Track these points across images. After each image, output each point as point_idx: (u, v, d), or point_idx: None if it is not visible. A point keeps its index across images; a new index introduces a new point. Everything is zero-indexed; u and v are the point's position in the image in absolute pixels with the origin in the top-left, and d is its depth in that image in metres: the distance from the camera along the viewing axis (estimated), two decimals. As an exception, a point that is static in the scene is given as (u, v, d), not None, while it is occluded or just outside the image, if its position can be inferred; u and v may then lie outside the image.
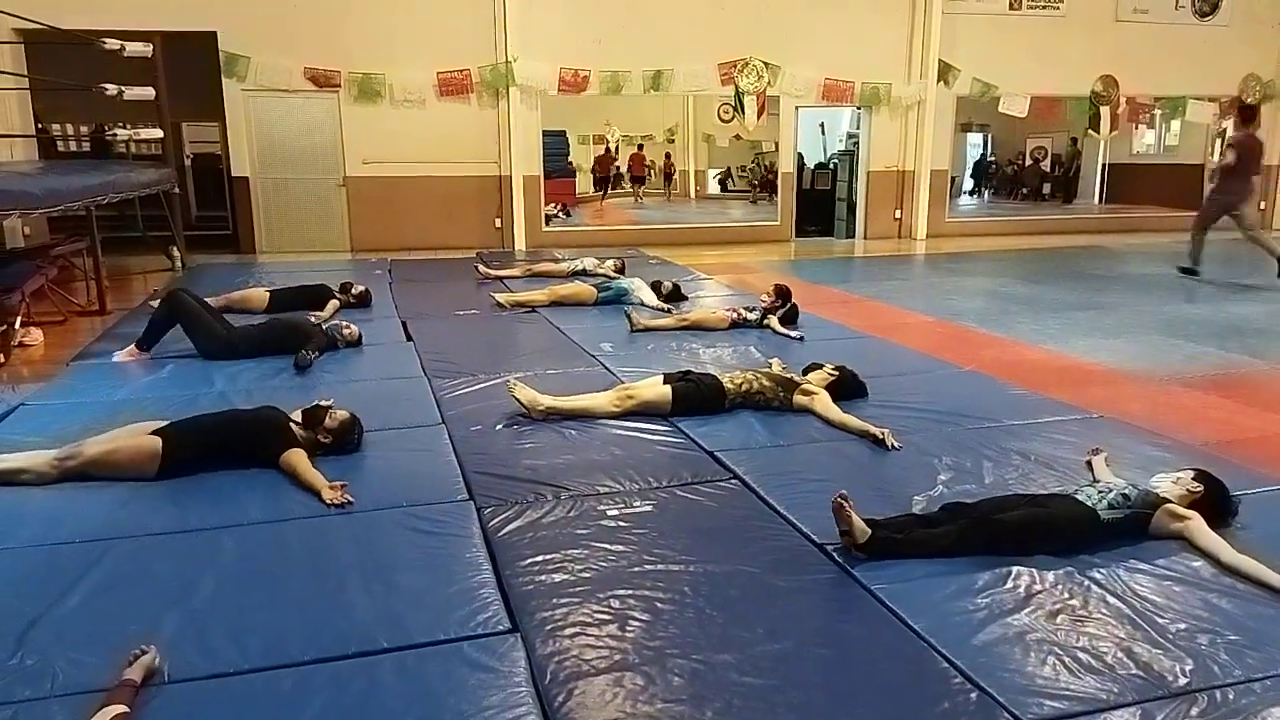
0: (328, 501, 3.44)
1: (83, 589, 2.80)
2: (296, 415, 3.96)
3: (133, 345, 5.74)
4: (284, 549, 3.12)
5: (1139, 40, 13.89)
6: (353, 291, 7.42)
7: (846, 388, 4.77)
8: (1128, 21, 13.92)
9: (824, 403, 4.53)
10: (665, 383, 4.66)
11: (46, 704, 2.26)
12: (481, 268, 9.16)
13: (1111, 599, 2.79)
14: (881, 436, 4.15)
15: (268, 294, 7.24)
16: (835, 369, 4.84)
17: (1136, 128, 16.89)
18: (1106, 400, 5.04)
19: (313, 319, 6.46)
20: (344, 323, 6.28)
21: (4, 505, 3.42)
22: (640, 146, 21.21)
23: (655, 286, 7.75)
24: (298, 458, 3.69)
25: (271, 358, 5.56)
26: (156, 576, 2.89)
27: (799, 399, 4.60)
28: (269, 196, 11.83)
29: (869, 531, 3.00)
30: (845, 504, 3.00)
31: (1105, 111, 14.22)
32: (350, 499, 3.46)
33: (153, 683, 2.31)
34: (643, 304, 7.43)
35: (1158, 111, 15.47)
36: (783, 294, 6.90)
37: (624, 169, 21.10)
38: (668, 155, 21.64)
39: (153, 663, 2.33)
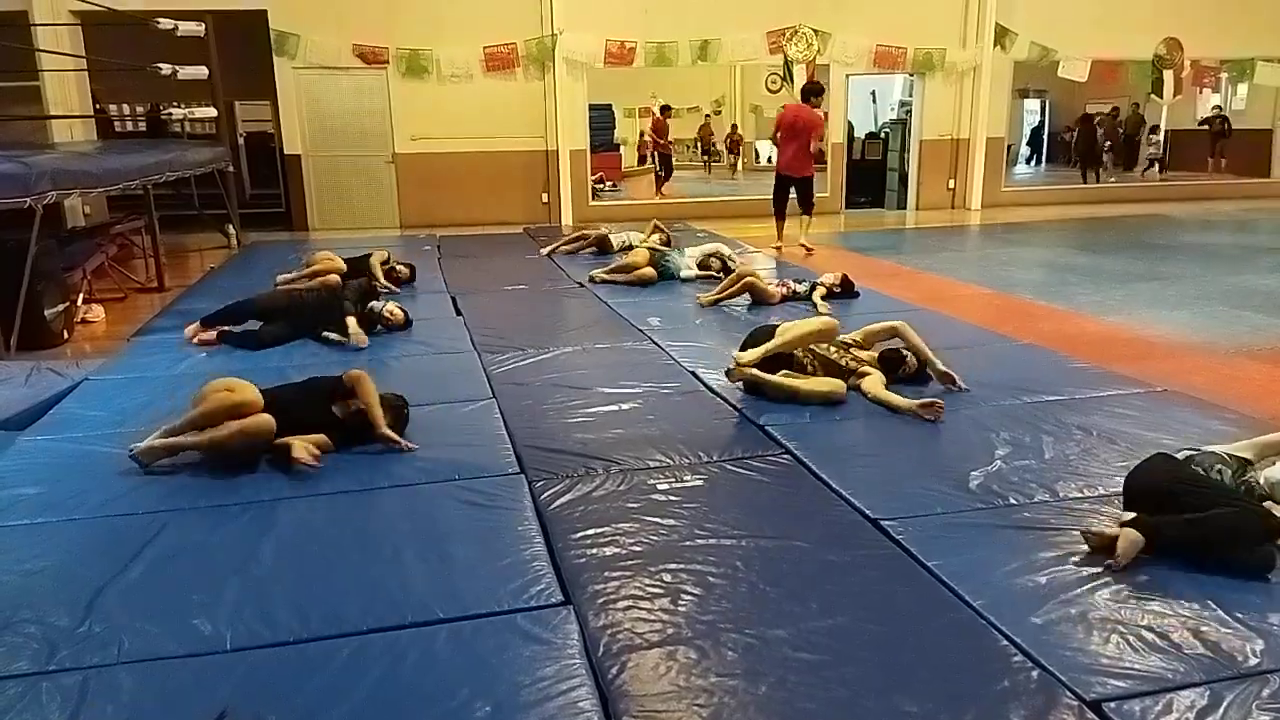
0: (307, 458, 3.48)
1: (146, 559, 2.87)
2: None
3: (199, 324, 5.69)
4: (339, 521, 3.16)
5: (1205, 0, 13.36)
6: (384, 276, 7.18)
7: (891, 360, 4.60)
8: (1194, -19, 13.42)
9: (873, 382, 4.43)
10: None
11: (114, 670, 2.32)
12: (543, 251, 8.99)
13: (1178, 576, 2.71)
14: (947, 386, 4.25)
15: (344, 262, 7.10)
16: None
17: (1201, 92, 16.32)
18: (1170, 373, 4.90)
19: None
20: (390, 305, 5.90)
21: (67, 482, 3.50)
22: (708, 116, 20.31)
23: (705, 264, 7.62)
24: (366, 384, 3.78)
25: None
26: (216, 547, 2.95)
27: (856, 383, 4.47)
28: (320, 174, 11.96)
29: (1140, 538, 2.75)
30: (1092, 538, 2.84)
31: (1168, 75, 13.74)
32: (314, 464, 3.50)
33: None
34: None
35: (1224, 75, 14.92)
36: (846, 283, 6.77)
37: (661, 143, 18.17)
38: (734, 126, 20.81)
39: None
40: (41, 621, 2.51)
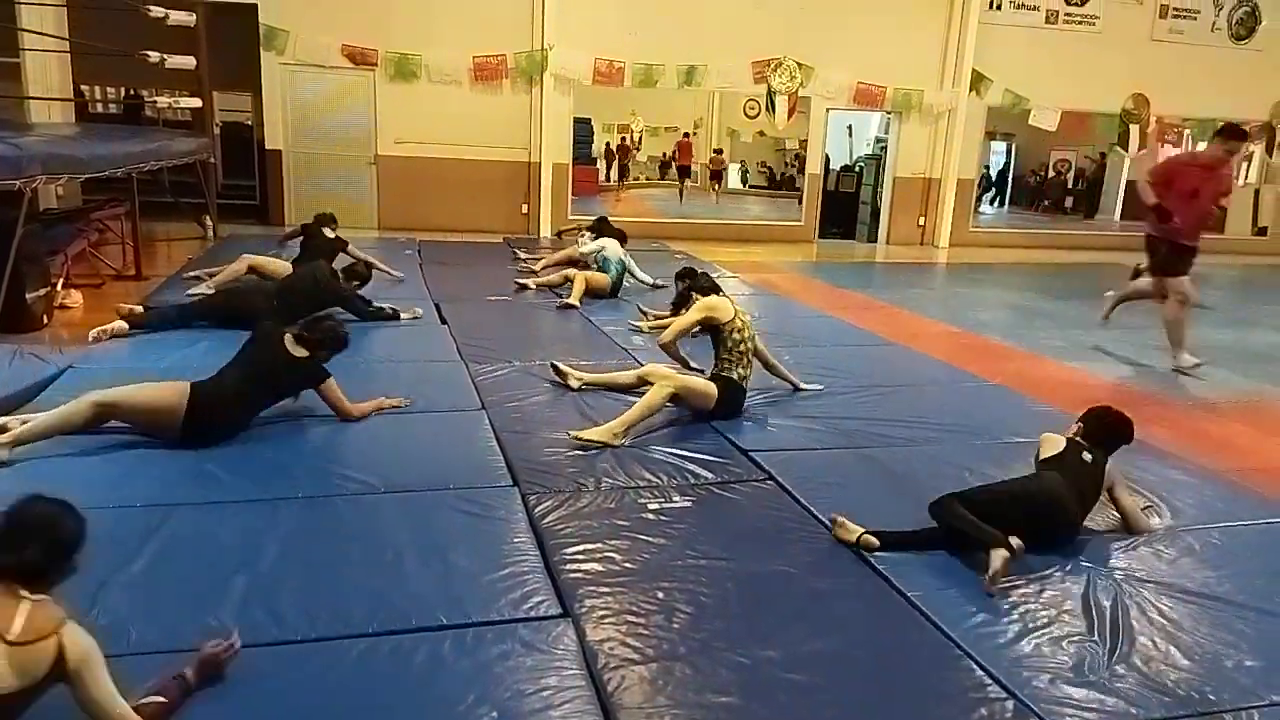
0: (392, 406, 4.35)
1: (149, 552, 2.91)
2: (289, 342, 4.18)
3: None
4: (340, 522, 3.23)
5: (1173, 60, 13.90)
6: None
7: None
8: (1163, 41, 13.95)
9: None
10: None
11: (124, 661, 2.35)
12: (522, 280, 8.25)
13: (1141, 616, 2.87)
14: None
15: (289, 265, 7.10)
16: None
17: (1163, 147, 16.88)
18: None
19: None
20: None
21: (65, 468, 3.51)
22: (687, 135, 20.38)
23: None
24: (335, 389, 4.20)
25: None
26: (220, 543, 3.00)
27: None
28: (300, 171, 11.92)
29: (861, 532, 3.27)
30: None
31: (1134, 130, 14.24)
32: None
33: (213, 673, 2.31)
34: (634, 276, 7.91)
35: (1187, 132, 15.46)
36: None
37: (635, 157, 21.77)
38: (719, 151, 20.43)
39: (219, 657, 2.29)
40: (48, 609, 2.53)
